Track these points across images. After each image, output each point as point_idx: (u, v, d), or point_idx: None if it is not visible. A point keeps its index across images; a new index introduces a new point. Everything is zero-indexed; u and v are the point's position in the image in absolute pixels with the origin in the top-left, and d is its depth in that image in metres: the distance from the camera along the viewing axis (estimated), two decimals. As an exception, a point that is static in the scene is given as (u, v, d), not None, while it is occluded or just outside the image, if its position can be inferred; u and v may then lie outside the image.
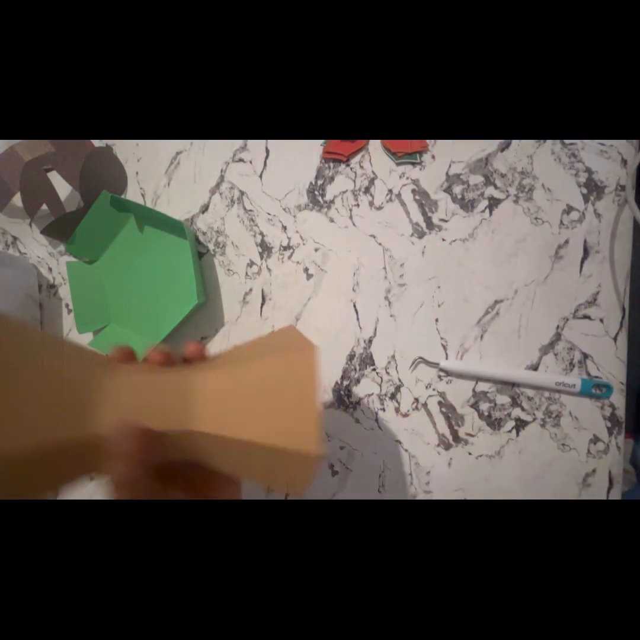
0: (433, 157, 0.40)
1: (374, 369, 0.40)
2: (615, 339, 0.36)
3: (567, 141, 0.37)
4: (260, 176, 0.44)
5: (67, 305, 0.50)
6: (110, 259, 0.48)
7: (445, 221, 0.39)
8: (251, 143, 0.44)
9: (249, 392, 0.20)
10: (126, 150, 0.48)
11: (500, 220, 0.38)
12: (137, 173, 0.48)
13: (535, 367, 0.37)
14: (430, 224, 0.40)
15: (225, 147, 0.45)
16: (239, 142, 0.44)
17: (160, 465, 0.20)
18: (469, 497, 0.38)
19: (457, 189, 0.39)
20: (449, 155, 0.40)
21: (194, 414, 0.20)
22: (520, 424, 0.37)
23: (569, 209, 0.37)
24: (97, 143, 0.49)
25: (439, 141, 0.40)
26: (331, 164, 0.42)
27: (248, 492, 0.35)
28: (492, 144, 0.39)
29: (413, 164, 0.40)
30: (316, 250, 0.42)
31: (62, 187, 0.47)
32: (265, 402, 0.20)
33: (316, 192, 0.42)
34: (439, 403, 0.39)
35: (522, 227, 0.38)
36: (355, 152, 0.41)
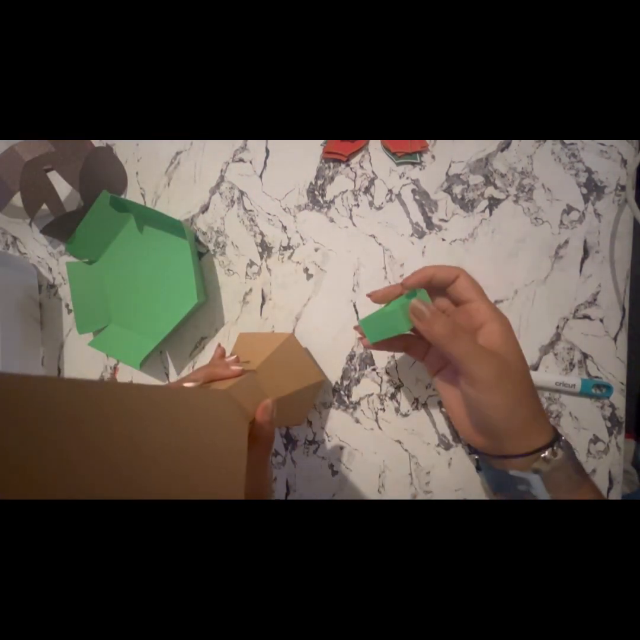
0: (433, 157, 0.40)
1: (374, 369, 0.40)
2: (615, 339, 0.36)
3: (567, 141, 0.37)
4: (260, 176, 0.44)
5: (67, 305, 0.50)
6: (110, 259, 0.48)
7: (445, 221, 0.39)
8: (251, 143, 0.44)
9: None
10: (126, 150, 0.48)
11: (500, 220, 0.38)
12: (137, 173, 0.48)
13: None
14: (430, 224, 0.40)
15: (225, 147, 0.45)
16: (239, 142, 0.44)
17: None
18: (469, 497, 0.38)
19: (457, 189, 0.39)
20: (449, 155, 0.40)
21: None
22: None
23: (569, 209, 0.37)
24: (97, 143, 0.49)
25: (439, 141, 0.40)
26: (331, 164, 0.42)
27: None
28: (492, 144, 0.39)
29: (413, 164, 0.40)
30: (316, 250, 0.42)
31: (62, 187, 0.47)
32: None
33: (316, 192, 0.42)
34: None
35: (522, 227, 0.38)
36: (355, 152, 0.41)
